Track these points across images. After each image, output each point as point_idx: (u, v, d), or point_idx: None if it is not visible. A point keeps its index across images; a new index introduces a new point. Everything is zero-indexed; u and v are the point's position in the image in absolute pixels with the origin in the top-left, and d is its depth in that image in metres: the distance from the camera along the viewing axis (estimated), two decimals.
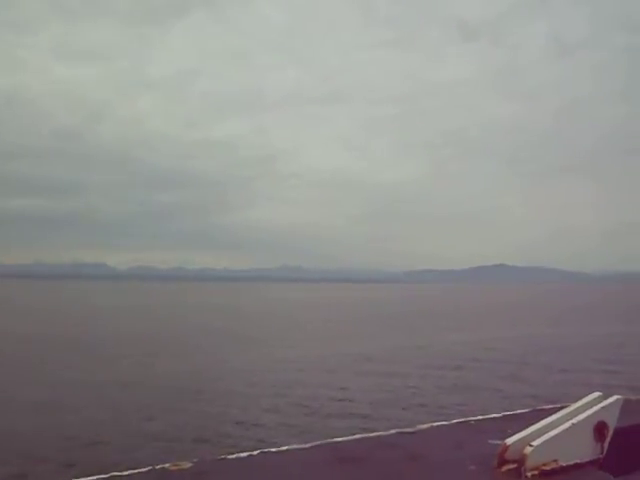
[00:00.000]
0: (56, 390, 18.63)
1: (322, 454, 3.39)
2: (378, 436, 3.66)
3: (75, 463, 11.18)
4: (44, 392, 18.16)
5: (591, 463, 3.08)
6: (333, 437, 3.67)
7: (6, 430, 13.63)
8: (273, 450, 3.47)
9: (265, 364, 24.84)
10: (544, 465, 2.93)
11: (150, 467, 3.22)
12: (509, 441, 3.02)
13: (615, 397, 3.23)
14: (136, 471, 3.09)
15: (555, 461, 2.96)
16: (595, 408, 3.14)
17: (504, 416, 3.99)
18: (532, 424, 3.14)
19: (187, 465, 3.25)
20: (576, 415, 3.13)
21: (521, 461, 2.92)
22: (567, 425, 3.03)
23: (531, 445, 2.93)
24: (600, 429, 3.11)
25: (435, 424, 3.83)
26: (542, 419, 3.18)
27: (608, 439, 3.16)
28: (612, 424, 3.17)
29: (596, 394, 3.28)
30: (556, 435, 2.98)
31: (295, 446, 3.52)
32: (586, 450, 3.08)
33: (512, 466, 2.98)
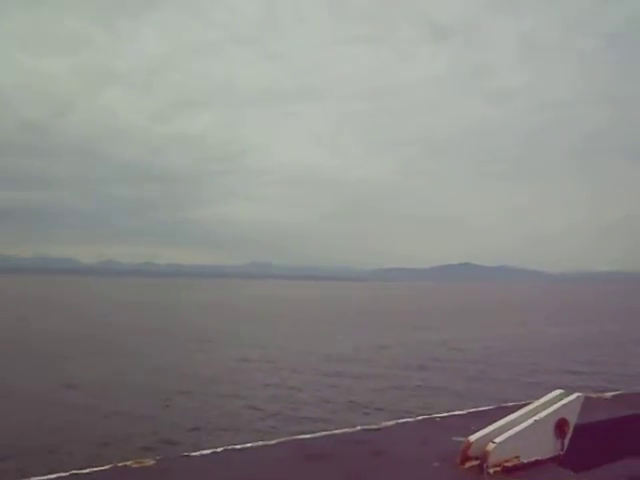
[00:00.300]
0: None
1: (287, 451, 3.37)
2: (343, 433, 3.65)
3: (31, 464, 10.94)
4: None
5: (552, 459, 3.13)
6: (298, 434, 3.65)
7: None
8: (237, 447, 3.42)
9: (225, 363, 24.52)
10: (506, 461, 2.96)
11: (112, 464, 3.17)
12: (472, 438, 3.05)
13: (576, 395, 3.28)
14: (97, 469, 3.02)
15: (517, 457, 2.99)
16: (556, 405, 3.19)
17: (468, 413, 4.02)
18: (496, 421, 3.17)
19: (150, 462, 3.19)
20: (538, 412, 3.17)
21: (484, 458, 2.95)
22: (529, 422, 3.07)
23: (493, 442, 2.96)
24: (561, 426, 3.16)
25: (400, 421, 3.84)
26: (505, 416, 3.21)
27: (569, 436, 3.20)
28: (573, 421, 3.22)
29: (558, 392, 3.32)
30: (518, 432, 3.02)
31: (260, 443, 3.49)
32: (547, 447, 3.13)
33: (475, 462, 3.00)
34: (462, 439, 3.13)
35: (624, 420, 3.99)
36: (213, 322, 46.92)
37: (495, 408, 4.01)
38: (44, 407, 16.14)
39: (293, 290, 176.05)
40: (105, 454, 11.31)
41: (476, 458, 3.00)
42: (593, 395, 4.43)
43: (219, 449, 3.38)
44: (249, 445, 3.44)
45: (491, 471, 2.92)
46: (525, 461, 3.02)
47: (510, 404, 3.83)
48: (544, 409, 3.18)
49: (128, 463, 3.17)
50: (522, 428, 3.03)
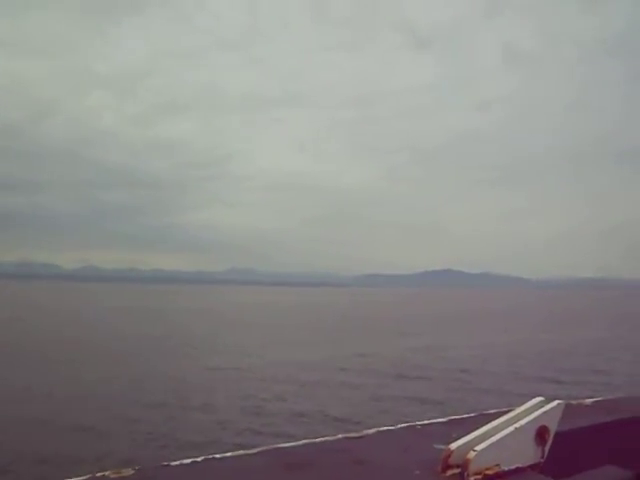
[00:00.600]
0: None
1: (268, 460, 3.33)
2: (324, 441, 3.63)
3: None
4: None
5: (532, 467, 3.13)
6: (279, 443, 3.62)
7: None
8: (217, 456, 3.38)
9: (202, 372, 24.25)
10: (487, 469, 2.96)
11: (90, 475, 3.10)
12: (453, 446, 3.04)
13: (556, 402, 3.29)
14: (74, 479, 2.97)
15: (497, 465, 2.99)
16: (537, 413, 3.19)
17: (450, 420, 4.02)
18: (477, 428, 3.16)
19: (129, 472, 3.13)
20: (519, 420, 3.17)
21: (464, 466, 2.94)
22: (510, 430, 3.07)
23: (474, 450, 2.95)
24: (541, 433, 3.16)
25: (381, 429, 3.82)
26: (487, 423, 3.20)
27: (549, 443, 3.21)
28: (553, 428, 3.23)
29: (538, 399, 3.33)
30: (499, 440, 3.01)
31: (240, 452, 3.45)
32: (527, 454, 3.13)
33: (456, 470, 2.99)
34: (443, 447, 3.12)
35: (604, 426, 4.01)
36: (191, 330, 46.40)
37: (476, 415, 4.01)
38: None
39: (274, 296, 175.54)
40: (79, 465, 11.18)
41: (457, 466, 2.99)
42: (573, 402, 4.45)
43: (199, 458, 3.34)
44: (229, 454, 3.40)
45: (472, 479, 2.91)
46: (506, 469, 3.01)
47: (491, 411, 3.84)
48: (525, 416, 3.18)
49: (106, 473, 3.11)
50: (503, 436, 3.03)
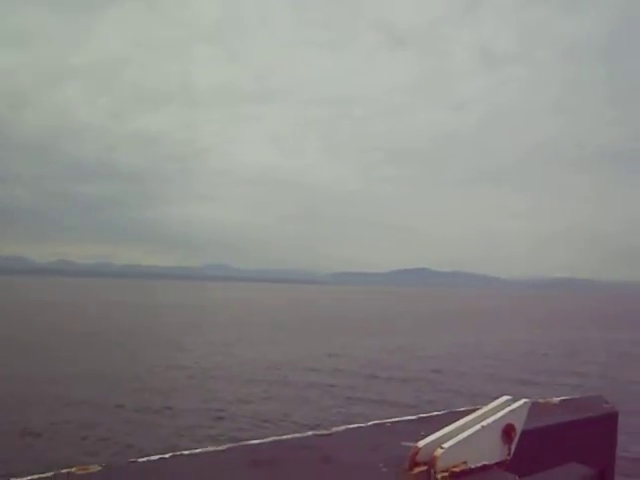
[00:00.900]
0: None
1: (236, 457, 3.32)
2: (293, 438, 3.63)
3: None
4: None
5: (498, 464, 3.16)
6: (247, 440, 3.60)
7: None
8: (186, 453, 3.35)
9: (168, 370, 23.60)
10: (454, 467, 2.98)
11: (54, 471, 3.06)
12: (421, 443, 3.05)
13: (523, 400, 3.32)
14: (38, 476, 2.92)
15: (464, 463, 3.01)
16: (504, 411, 3.22)
17: (419, 418, 4.04)
18: (445, 426, 3.18)
19: (95, 469, 3.09)
20: (486, 418, 3.19)
21: (431, 463, 2.96)
22: (476, 428, 3.09)
23: (442, 447, 2.97)
24: (508, 432, 3.19)
25: (351, 426, 3.83)
26: (455, 421, 3.22)
27: (515, 441, 3.24)
28: (520, 426, 3.26)
29: (505, 397, 3.36)
30: (466, 438, 3.03)
31: (209, 449, 3.43)
32: (494, 452, 3.16)
33: (423, 468, 3.00)
34: (411, 444, 3.13)
35: (569, 425, 4.06)
36: (157, 326, 45.33)
37: (445, 413, 4.04)
38: None
39: (247, 293, 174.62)
40: (46, 460, 11.03)
41: (424, 463, 3.00)
42: (541, 400, 4.50)
43: (167, 455, 3.31)
44: (197, 451, 3.38)
45: (439, 476, 2.93)
46: (472, 466, 3.03)
47: (460, 409, 3.87)
48: (492, 415, 3.20)
49: (72, 470, 3.07)
50: (470, 434, 3.05)
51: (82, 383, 20.32)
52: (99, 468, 3.09)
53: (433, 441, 3.06)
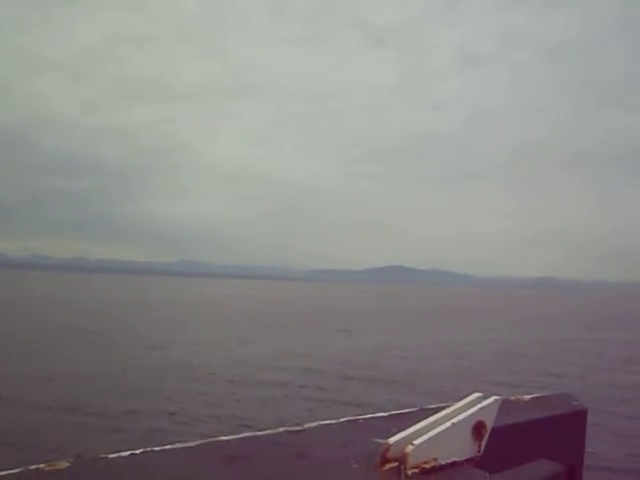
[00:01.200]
0: None
1: (208, 453, 3.30)
2: (265, 434, 3.62)
3: None
4: None
5: (469, 461, 3.18)
6: (219, 436, 3.58)
7: None
8: (157, 449, 3.31)
9: (134, 369, 22.98)
10: (424, 463, 3.00)
11: (22, 468, 3.01)
12: (392, 440, 3.07)
13: (494, 397, 3.35)
14: (6, 472, 2.87)
15: (435, 459, 3.03)
16: (474, 408, 3.25)
17: (390, 415, 4.05)
18: (416, 423, 3.20)
19: (64, 465, 3.04)
20: (457, 415, 3.22)
21: (402, 459, 2.97)
22: (447, 425, 3.11)
23: (412, 444, 2.98)
24: (478, 428, 3.22)
25: (323, 422, 3.84)
26: (426, 418, 3.24)
27: (486, 438, 3.27)
28: (490, 423, 3.28)
29: (476, 395, 3.38)
30: (436, 434, 3.06)
31: (180, 445, 3.40)
32: (464, 449, 3.18)
33: (394, 464, 3.02)
34: (383, 441, 3.14)
35: (540, 422, 4.10)
36: (122, 323, 43.97)
37: (416, 410, 4.06)
38: None
39: (222, 289, 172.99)
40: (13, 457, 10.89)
41: (395, 460, 3.01)
42: (512, 397, 4.54)
43: (137, 451, 3.27)
44: (169, 447, 3.34)
45: (409, 473, 2.94)
46: (443, 463, 3.06)
47: (431, 407, 3.89)
48: (463, 412, 3.23)
49: (40, 466, 3.02)
50: (440, 430, 3.07)
51: (43, 383, 19.59)
52: (68, 464, 3.04)
53: (404, 438, 3.08)
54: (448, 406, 3.39)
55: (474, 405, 3.28)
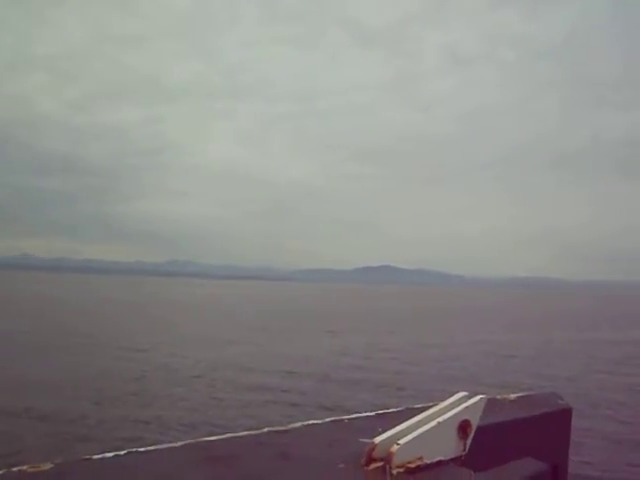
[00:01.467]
0: None
1: (192, 453, 3.26)
2: (250, 435, 3.58)
3: None
4: None
5: (454, 460, 3.18)
6: (204, 437, 3.55)
7: None
8: (141, 450, 3.27)
9: (118, 371, 22.55)
10: (409, 462, 2.98)
11: (5, 470, 2.96)
12: (377, 440, 3.05)
13: (479, 397, 3.34)
14: None
15: (420, 458, 3.02)
16: (460, 407, 3.24)
17: (376, 414, 4.03)
18: (402, 422, 3.19)
19: (47, 466, 2.99)
20: (442, 414, 3.21)
21: (388, 459, 2.96)
22: (433, 424, 3.11)
23: (398, 443, 2.97)
24: (464, 427, 3.21)
25: (308, 422, 3.81)
26: (411, 417, 3.23)
27: (471, 437, 3.26)
28: (475, 422, 3.28)
29: (462, 394, 3.38)
30: (422, 433, 3.05)
31: (164, 445, 3.36)
32: (450, 448, 3.18)
33: (380, 464, 3.01)
34: (368, 441, 3.13)
35: (525, 421, 4.10)
36: (102, 323, 43.76)
37: (402, 410, 4.04)
38: None
39: (210, 289, 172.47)
40: None
41: (381, 459, 3.00)
42: (498, 397, 4.54)
43: (122, 452, 3.23)
44: (153, 448, 3.30)
45: (395, 472, 2.93)
46: (428, 462, 3.04)
47: (417, 406, 3.88)
48: (448, 411, 3.22)
49: (23, 468, 2.97)
50: (426, 429, 3.06)
51: (18, 388, 18.86)
52: (51, 466, 3.00)
53: (390, 437, 3.06)
54: (434, 405, 3.38)
55: (460, 404, 3.27)
